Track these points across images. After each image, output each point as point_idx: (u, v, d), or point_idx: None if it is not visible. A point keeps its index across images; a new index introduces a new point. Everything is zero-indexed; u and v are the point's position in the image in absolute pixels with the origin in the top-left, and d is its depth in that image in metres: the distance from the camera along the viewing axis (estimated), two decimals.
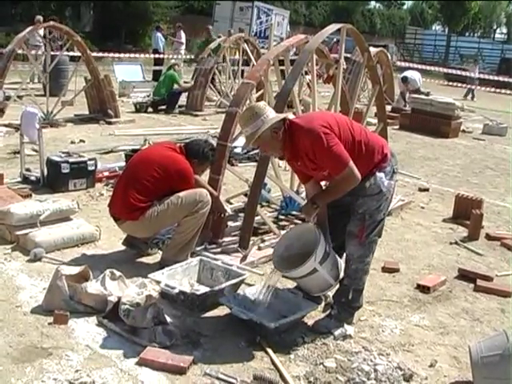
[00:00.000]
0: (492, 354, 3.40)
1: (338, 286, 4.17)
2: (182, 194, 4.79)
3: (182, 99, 14.06)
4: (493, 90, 21.61)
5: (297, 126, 3.84)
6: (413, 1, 61.52)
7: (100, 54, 18.01)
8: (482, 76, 23.70)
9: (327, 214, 4.13)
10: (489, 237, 6.35)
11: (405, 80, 15.94)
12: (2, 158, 8.08)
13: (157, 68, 19.57)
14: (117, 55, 18.94)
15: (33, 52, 13.91)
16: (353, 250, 4.07)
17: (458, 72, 23.37)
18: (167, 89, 13.56)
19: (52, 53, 12.05)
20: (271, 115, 3.86)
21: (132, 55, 20.52)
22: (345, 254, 4.15)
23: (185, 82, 15.05)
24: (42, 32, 12.83)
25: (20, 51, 11.55)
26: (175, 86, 13.75)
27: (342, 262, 4.12)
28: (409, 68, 21.44)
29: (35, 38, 15.03)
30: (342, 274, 4.10)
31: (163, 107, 13.53)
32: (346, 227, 4.05)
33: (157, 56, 20.01)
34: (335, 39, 21.15)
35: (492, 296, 4.91)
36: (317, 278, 3.96)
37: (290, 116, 4.07)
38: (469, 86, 21.76)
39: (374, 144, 3.98)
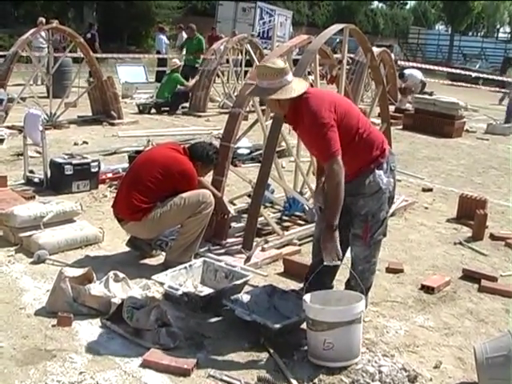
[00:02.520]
0: (497, 355, 3.39)
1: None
2: (184, 195, 4.79)
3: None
4: (497, 89, 21.58)
5: (307, 103, 3.77)
6: (416, 0, 61.42)
7: (104, 55, 18.02)
8: (485, 76, 23.69)
9: (323, 215, 4.13)
10: (493, 237, 6.33)
11: (401, 76, 16.00)
12: (6, 160, 8.10)
13: (160, 69, 19.57)
14: (120, 55, 18.96)
15: (36, 54, 13.93)
16: (358, 252, 4.06)
17: (462, 71, 23.31)
18: (170, 91, 13.56)
19: (55, 54, 12.07)
20: (290, 79, 3.80)
21: (136, 56, 20.58)
22: (350, 256, 4.13)
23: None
24: (44, 34, 12.83)
25: (24, 53, 11.58)
26: (178, 87, 13.73)
27: None
28: (412, 67, 21.45)
29: (38, 40, 15.07)
30: None
31: (166, 108, 13.53)
32: (348, 226, 4.03)
33: (160, 57, 20.02)
34: (338, 39, 21.13)
35: (497, 296, 4.89)
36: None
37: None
38: (504, 91, 21.55)
39: (375, 137, 3.96)
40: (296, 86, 3.81)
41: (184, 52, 17.02)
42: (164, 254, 5.07)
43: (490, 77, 22.34)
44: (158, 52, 20.30)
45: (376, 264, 4.19)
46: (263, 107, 7.08)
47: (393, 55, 16.59)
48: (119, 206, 4.95)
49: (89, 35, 18.87)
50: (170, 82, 13.69)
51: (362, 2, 49.81)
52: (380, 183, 3.90)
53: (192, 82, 14.12)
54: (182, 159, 4.92)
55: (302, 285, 4.45)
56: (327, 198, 3.84)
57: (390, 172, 3.98)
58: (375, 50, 9.71)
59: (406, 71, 16.65)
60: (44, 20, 15.28)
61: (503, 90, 20.78)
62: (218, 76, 14.59)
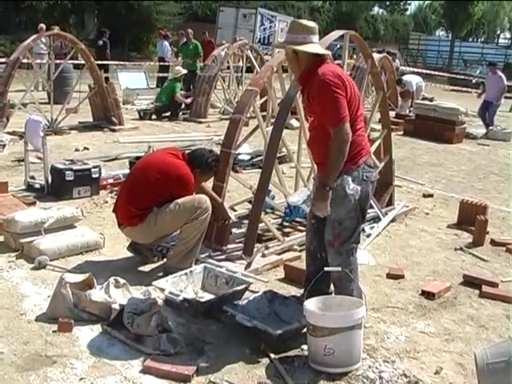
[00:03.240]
0: (498, 361, 3.38)
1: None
2: (180, 200, 4.78)
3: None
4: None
5: (323, 68, 3.85)
6: (419, 0, 61.76)
7: (115, 62, 18.08)
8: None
9: (311, 224, 4.18)
10: (494, 242, 6.32)
11: (399, 82, 16.04)
12: (7, 166, 8.11)
13: (161, 75, 19.61)
14: (127, 63, 19.02)
15: (37, 61, 13.95)
16: (331, 259, 4.05)
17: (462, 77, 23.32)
18: (167, 96, 13.57)
19: (56, 61, 12.10)
20: (315, 41, 3.94)
21: (142, 63, 20.64)
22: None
23: (187, 91, 15.02)
24: (45, 40, 12.85)
25: (25, 60, 11.60)
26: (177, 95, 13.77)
27: None
28: (411, 73, 21.46)
29: (39, 46, 15.10)
30: None
31: (167, 114, 13.55)
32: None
33: (162, 63, 20.06)
34: (338, 45, 21.17)
35: (497, 302, 4.88)
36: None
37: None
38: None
39: (359, 143, 3.92)
40: (318, 48, 3.94)
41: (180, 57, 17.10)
42: (165, 259, 5.07)
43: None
44: (162, 58, 20.32)
45: (354, 271, 4.07)
46: (264, 113, 7.10)
47: (398, 62, 16.59)
48: (118, 211, 4.97)
49: (100, 42, 19.06)
50: (168, 88, 13.72)
51: (363, 8, 49.92)
52: (346, 188, 3.84)
53: (187, 100, 14.02)
54: (179, 164, 4.91)
55: (302, 291, 4.45)
56: (327, 165, 3.86)
57: (361, 181, 3.89)
58: (375, 55, 9.72)
59: (404, 77, 16.71)
60: (44, 26, 15.36)
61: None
62: (219, 82, 14.60)
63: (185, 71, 14.06)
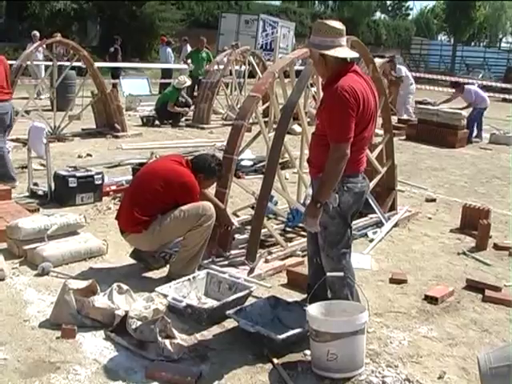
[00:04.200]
0: (501, 365, 3.37)
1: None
2: (184, 207, 4.80)
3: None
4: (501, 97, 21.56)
5: (346, 78, 3.78)
6: (422, 0, 62.14)
7: (103, 64, 18.12)
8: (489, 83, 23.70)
9: (308, 232, 4.20)
10: (497, 247, 6.32)
11: (390, 60, 15.99)
12: None
13: (164, 81, 19.66)
14: (125, 65, 19.12)
15: (41, 67, 14.04)
16: (324, 263, 4.07)
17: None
18: (161, 104, 13.57)
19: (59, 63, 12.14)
20: (343, 43, 3.83)
21: (139, 65, 20.73)
22: None
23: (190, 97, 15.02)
24: (41, 49, 12.86)
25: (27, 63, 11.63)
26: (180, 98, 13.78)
27: None
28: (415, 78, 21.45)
29: (40, 54, 15.21)
30: None
31: (170, 121, 13.55)
32: None
33: (165, 67, 20.10)
34: None
35: (501, 306, 4.88)
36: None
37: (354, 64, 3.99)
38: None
39: (356, 158, 3.90)
40: (347, 52, 3.85)
41: (190, 63, 17.16)
42: (168, 265, 5.08)
43: (494, 84, 22.31)
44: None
45: (348, 278, 4.04)
46: (266, 119, 7.12)
47: (403, 69, 16.60)
48: (121, 218, 4.98)
49: (112, 49, 19.31)
50: (165, 96, 13.74)
51: (365, 13, 49.98)
52: None
53: (181, 110, 13.99)
54: (183, 171, 4.93)
55: (305, 296, 4.45)
56: (321, 181, 3.86)
57: (343, 191, 3.86)
58: (377, 60, 9.71)
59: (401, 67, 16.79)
60: (38, 34, 15.48)
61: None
62: (221, 88, 14.62)
63: (189, 83, 14.05)
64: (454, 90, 15.18)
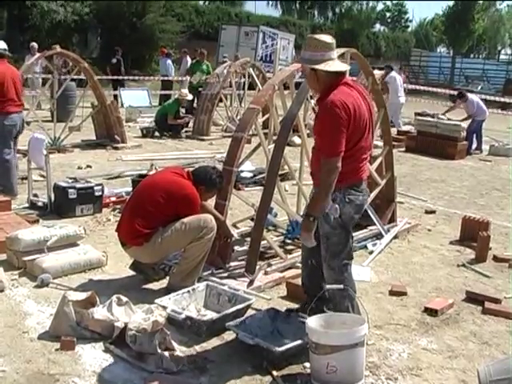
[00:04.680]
0: (501, 378, 3.37)
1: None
2: (186, 220, 4.80)
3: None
4: (499, 110, 21.60)
5: (337, 91, 3.81)
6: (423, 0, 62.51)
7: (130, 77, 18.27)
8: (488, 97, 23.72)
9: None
10: (496, 259, 6.31)
11: (386, 68, 16.08)
12: None
13: (164, 92, 19.72)
14: (125, 77, 19.24)
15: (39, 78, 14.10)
16: (326, 275, 4.08)
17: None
18: (160, 116, 13.61)
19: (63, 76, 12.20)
20: (333, 57, 3.87)
21: (140, 78, 20.85)
22: None
23: (185, 113, 15.04)
24: (40, 61, 12.95)
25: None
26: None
27: None
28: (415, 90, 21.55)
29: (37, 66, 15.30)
30: None
31: (170, 132, 13.57)
32: None
33: (165, 79, 20.17)
34: None
35: (500, 319, 4.87)
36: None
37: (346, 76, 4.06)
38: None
39: (353, 168, 3.92)
40: (338, 65, 3.89)
41: (193, 79, 17.21)
42: (167, 277, 5.07)
43: (492, 98, 22.35)
44: (165, 76, 20.43)
45: (349, 290, 4.04)
46: (265, 131, 7.13)
47: (397, 78, 16.57)
48: (122, 231, 4.97)
49: (114, 60, 19.47)
50: (164, 108, 13.77)
51: (365, 25, 50.22)
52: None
53: (180, 121, 14.03)
54: (185, 184, 4.93)
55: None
56: (313, 196, 3.98)
57: (344, 203, 3.89)
58: (377, 72, 9.74)
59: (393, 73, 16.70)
60: (36, 45, 15.58)
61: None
62: (221, 100, 14.67)
63: (190, 97, 14.07)
64: (453, 102, 15.15)
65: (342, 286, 3.91)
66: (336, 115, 3.72)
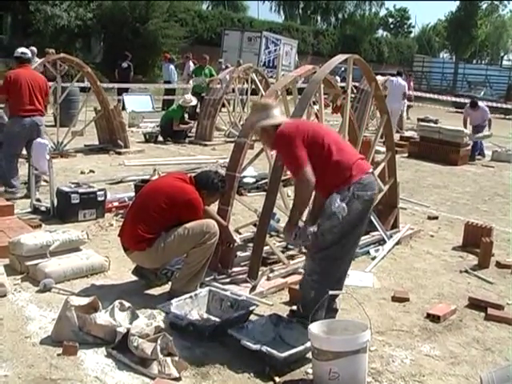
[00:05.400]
0: None
1: None
2: (188, 225, 4.80)
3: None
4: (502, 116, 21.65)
5: (281, 128, 4.24)
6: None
7: (110, 85, 18.28)
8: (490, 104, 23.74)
9: None
10: (499, 265, 6.31)
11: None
12: None
13: (167, 97, 19.75)
14: (127, 85, 19.28)
15: None
16: (306, 263, 4.35)
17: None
18: (166, 121, 13.61)
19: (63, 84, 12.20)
20: (277, 114, 4.36)
21: (142, 86, 20.94)
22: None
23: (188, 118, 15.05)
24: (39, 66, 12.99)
25: None
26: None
27: None
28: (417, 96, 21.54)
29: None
30: None
31: (173, 138, 13.57)
32: None
33: (168, 86, 20.21)
34: (343, 68, 21.32)
35: (503, 325, 4.87)
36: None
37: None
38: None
39: (343, 166, 4.15)
40: (279, 119, 4.36)
41: (194, 82, 17.25)
42: (170, 283, 5.07)
43: (495, 104, 22.36)
44: (168, 82, 20.46)
45: (318, 283, 4.17)
46: None
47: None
48: (125, 236, 4.97)
49: (125, 65, 19.78)
50: (170, 114, 13.79)
51: (367, 31, 50.31)
52: (332, 205, 4.07)
53: (186, 126, 14.05)
54: (188, 189, 4.93)
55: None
56: (293, 205, 4.36)
57: (353, 199, 4.09)
58: (379, 78, 9.75)
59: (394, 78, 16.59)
60: (35, 49, 15.61)
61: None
62: (224, 105, 14.68)
63: (194, 102, 14.08)
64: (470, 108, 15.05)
65: (343, 292, 3.92)
66: (283, 136, 4.18)
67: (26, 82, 7.71)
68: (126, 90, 18.83)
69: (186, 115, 14.61)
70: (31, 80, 7.78)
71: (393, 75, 16.88)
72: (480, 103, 14.80)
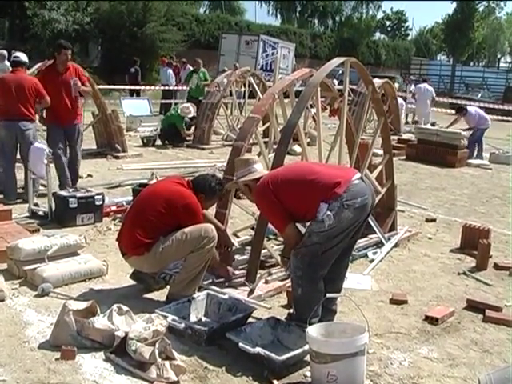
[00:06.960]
0: None
1: None
2: (187, 229, 4.80)
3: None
4: (500, 118, 21.63)
5: (257, 185, 4.42)
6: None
7: (108, 86, 18.35)
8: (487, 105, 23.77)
9: None
10: (497, 266, 6.31)
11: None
12: None
13: (165, 101, 19.76)
14: (125, 87, 19.38)
15: None
16: (291, 259, 4.35)
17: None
18: (168, 125, 13.63)
19: None
20: (259, 168, 4.59)
21: (142, 87, 21.02)
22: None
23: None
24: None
25: None
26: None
27: None
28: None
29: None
30: None
31: (173, 142, 13.57)
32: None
33: (166, 88, 20.25)
34: (341, 71, 21.33)
35: (501, 327, 4.87)
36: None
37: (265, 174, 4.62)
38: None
39: (325, 185, 4.16)
40: (259, 173, 4.54)
41: (190, 83, 17.27)
42: (168, 287, 5.07)
43: (492, 106, 22.40)
44: (166, 86, 20.51)
45: (301, 279, 4.19)
46: (266, 140, 7.15)
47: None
48: (123, 240, 4.97)
49: (133, 70, 20.56)
50: (171, 118, 13.79)
51: (365, 34, 50.37)
52: (319, 214, 4.10)
53: (188, 132, 14.08)
54: (186, 193, 4.93)
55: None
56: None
57: (342, 209, 4.07)
58: (377, 81, 9.76)
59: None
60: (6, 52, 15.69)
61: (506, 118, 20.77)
62: (222, 108, 14.68)
63: (193, 113, 14.08)
64: (456, 113, 15.08)
65: (341, 295, 3.92)
66: (259, 196, 4.36)
67: (9, 87, 7.71)
68: (138, 93, 19.13)
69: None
70: (17, 85, 7.75)
71: (417, 82, 16.93)
72: (472, 109, 14.74)
